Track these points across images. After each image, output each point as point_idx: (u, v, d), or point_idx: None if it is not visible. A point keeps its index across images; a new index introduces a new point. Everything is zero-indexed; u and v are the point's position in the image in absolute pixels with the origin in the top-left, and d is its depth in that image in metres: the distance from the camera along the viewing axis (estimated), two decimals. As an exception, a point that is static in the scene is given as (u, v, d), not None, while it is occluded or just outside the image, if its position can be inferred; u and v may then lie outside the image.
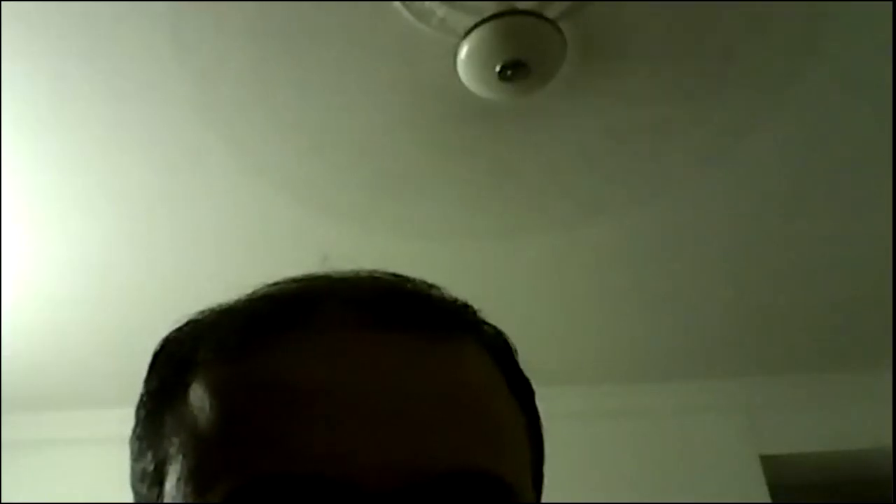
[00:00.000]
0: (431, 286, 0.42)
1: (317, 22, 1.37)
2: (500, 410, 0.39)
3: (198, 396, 0.37)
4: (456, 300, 0.42)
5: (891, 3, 1.40)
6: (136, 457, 0.40)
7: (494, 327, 0.43)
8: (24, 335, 2.01)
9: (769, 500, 2.23)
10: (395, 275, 0.42)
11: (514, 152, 1.65)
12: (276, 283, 0.41)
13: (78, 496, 2.10)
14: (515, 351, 0.44)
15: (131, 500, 0.41)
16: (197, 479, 0.35)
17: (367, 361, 0.36)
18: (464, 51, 1.37)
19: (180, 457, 0.36)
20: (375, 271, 0.41)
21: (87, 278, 1.86)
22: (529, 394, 0.43)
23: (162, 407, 0.39)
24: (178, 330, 0.42)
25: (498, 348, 0.42)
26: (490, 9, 1.34)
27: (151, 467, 0.38)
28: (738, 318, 2.18)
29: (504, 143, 1.62)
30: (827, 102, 1.59)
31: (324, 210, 1.74)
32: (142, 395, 0.41)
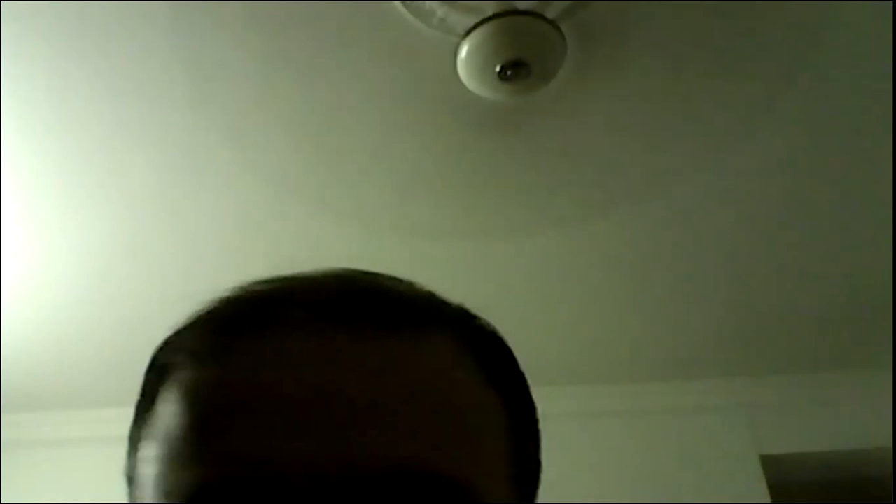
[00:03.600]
0: (401, 282, 0.41)
1: (317, 22, 1.37)
2: (462, 404, 0.38)
3: (165, 404, 0.38)
4: (425, 295, 0.42)
5: (891, 3, 1.40)
6: (125, 461, 0.41)
7: (474, 320, 0.43)
8: (24, 335, 2.01)
9: (769, 500, 2.23)
10: (365, 273, 0.41)
11: (514, 152, 1.65)
12: (242, 287, 0.41)
13: (78, 496, 2.10)
14: (502, 343, 0.43)
15: None
16: (159, 488, 0.36)
17: (310, 362, 0.36)
18: (464, 51, 1.37)
19: (147, 466, 0.37)
20: (345, 270, 0.41)
21: (87, 278, 1.86)
22: (517, 388, 0.42)
23: (143, 412, 0.40)
24: (170, 332, 0.43)
25: (475, 341, 0.41)
26: (490, 9, 1.34)
27: (129, 473, 0.39)
28: (739, 318, 2.18)
29: (504, 143, 1.62)
30: (827, 102, 1.59)
31: (324, 210, 1.74)
32: (136, 400, 0.42)
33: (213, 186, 1.66)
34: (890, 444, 2.23)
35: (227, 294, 0.41)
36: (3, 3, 1.29)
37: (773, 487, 2.25)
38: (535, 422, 0.44)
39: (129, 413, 0.42)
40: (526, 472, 0.41)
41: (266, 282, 0.41)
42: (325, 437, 0.33)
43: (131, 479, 0.39)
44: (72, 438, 2.26)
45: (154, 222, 1.74)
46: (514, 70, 1.36)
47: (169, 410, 0.37)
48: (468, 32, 1.35)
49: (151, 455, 0.37)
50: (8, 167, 1.57)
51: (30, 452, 2.24)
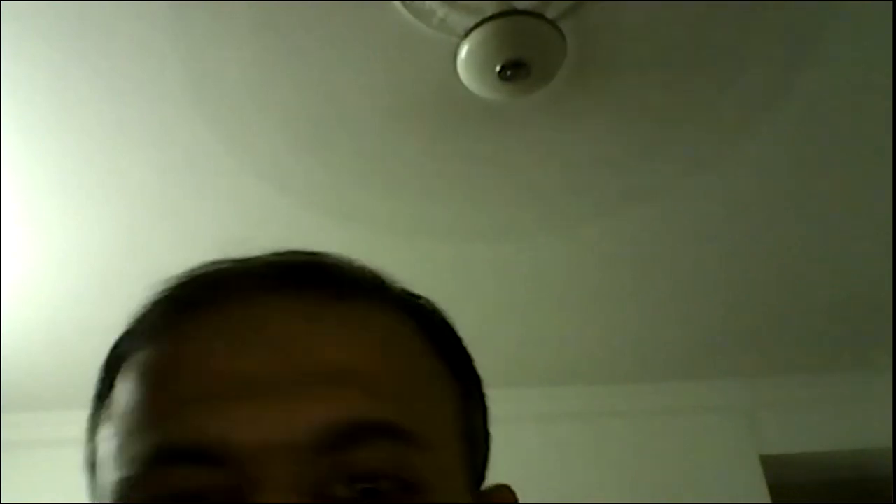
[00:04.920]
0: (349, 261, 0.43)
1: (317, 22, 1.37)
2: (408, 365, 0.39)
3: (123, 385, 0.40)
4: (369, 273, 0.43)
5: (891, 3, 1.40)
6: (84, 451, 0.42)
7: (418, 299, 0.44)
8: (24, 335, 2.01)
9: (769, 500, 2.23)
10: (310, 252, 0.43)
11: (514, 152, 1.65)
12: (190, 269, 0.43)
13: (78, 496, 2.09)
14: (447, 321, 0.44)
15: None
16: (118, 460, 0.37)
17: (247, 330, 0.37)
18: (464, 51, 1.37)
19: (107, 443, 0.38)
20: (291, 250, 0.43)
21: (86, 278, 1.86)
22: (464, 362, 0.43)
23: (101, 401, 0.41)
24: (126, 324, 0.45)
25: (420, 316, 0.42)
26: (490, 9, 1.34)
27: (89, 460, 0.41)
28: (739, 318, 2.18)
29: (504, 144, 1.62)
30: (827, 103, 1.59)
31: (324, 210, 1.74)
32: (94, 392, 0.43)
33: (213, 186, 1.66)
34: (890, 444, 2.23)
35: (174, 277, 0.43)
36: (3, 3, 1.29)
37: (773, 487, 2.26)
38: (483, 396, 0.45)
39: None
40: (476, 442, 0.42)
41: (214, 262, 0.43)
42: (265, 397, 0.34)
43: (92, 465, 0.40)
44: (72, 438, 2.23)
45: (154, 222, 1.74)
46: (514, 70, 1.36)
47: (127, 389, 0.39)
48: (468, 32, 1.35)
49: (111, 433, 0.38)
50: (8, 167, 1.57)
51: (30, 452, 2.24)
